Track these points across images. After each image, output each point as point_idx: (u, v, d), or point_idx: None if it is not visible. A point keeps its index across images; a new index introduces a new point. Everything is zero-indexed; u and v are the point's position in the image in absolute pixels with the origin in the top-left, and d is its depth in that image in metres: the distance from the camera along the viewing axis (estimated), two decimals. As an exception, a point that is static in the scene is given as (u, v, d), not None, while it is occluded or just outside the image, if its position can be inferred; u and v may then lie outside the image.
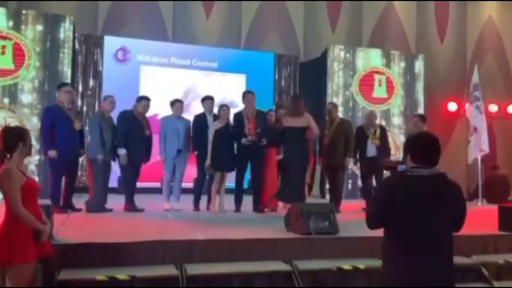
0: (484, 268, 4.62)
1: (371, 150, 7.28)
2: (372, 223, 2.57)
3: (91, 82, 9.79)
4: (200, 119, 6.84)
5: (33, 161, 7.86)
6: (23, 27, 8.15)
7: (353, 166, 8.70)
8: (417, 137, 2.68)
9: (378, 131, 7.41)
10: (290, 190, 5.96)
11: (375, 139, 7.30)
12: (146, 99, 6.62)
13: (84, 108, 9.58)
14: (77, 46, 9.43)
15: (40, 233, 2.88)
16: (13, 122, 7.66)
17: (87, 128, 7.86)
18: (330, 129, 7.09)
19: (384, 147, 7.39)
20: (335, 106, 7.57)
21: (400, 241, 2.44)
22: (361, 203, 7.74)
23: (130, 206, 6.36)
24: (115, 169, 6.69)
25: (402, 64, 10.58)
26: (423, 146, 2.56)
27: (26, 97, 8.06)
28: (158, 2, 10.51)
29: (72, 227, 4.79)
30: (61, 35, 8.39)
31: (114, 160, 6.42)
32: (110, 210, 6.20)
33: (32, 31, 8.19)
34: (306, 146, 6.21)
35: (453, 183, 2.53)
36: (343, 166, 7.13)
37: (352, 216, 6.37)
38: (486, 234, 5.14)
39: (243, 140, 6.46)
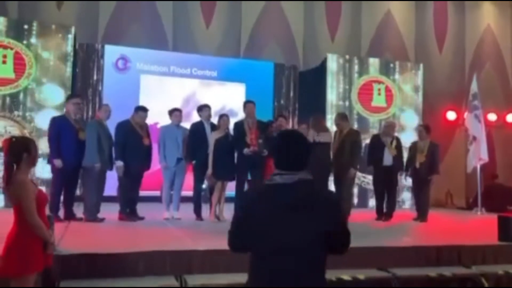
0: (484, 279, 4.62)
1: (388, 159, 7.40)
2: (232, 242, 2.16)
3: (91, 91, 9.81)
4: (198, 127, 6.83)
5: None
6: (24, 36, 8.18)
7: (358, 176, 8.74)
8: (275, 137, 2.24)
9: (394, 141, 7.53)
10: None
11: (392, 149, 7.40)
12: (143, 110, 6.64)
13: (85, 118, 9.58)
14: (77, 55, 9.46)
15: (49, 244, 2.91)
16: (13, 131, 7.70)
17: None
18: (339, 138, 7.20)
19: (399, 158, 7.53)
20: (343, 117, 7.53)
21: (258, 262, 2.06)
22: (371, 212, 7.82)
23: (125, 216, 6.35)
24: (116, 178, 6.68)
25: (401, 74, 10.62)
26: (277, 148, 2.13)
27: (27, 107, 8.08)
28: (159, 11, 10.56)
29: (72, 237, 4.79)
30: (62, 45, 8.42)
31: (110, 169, 6.42)
32: (103, 219, 6.17)
33: (33, 41, 8.23)
34: (330, 159, 7.05)
35: (324, 192, 2.14)
36: (346, 176, 7.16)
37: (358, 226, 6.47)
38: (486, 244, 5.16)
39: (245, 151, 6.48)
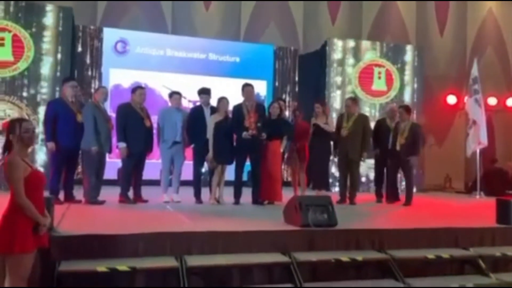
0: (481, 261, 4.67)
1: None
2: None
3: (90, 74, 9.77)
4: (197, 112, 6.82)
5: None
6: (22, 18, 8.12)
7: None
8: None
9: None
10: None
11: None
12: (140, 87, 6.66)
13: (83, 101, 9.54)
14: (76, 37, 9.41)
15: (39, 226, 2.92)
16: (13, 114, 7.70)
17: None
18: (348, 123, 7.19)
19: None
20: (354, 100, 7.61)
21: None
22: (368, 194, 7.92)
23: (125, 198, 6.37)
24: (114, 161, 6.68)
25: (402, 57, 10.56)
26: None
27: (26, 89, 8.05)
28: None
29: (72, 219, 4.81)
30: (61, 27, 8.35)
31: (109, 152, 6.42)
32: (103, 202, 6.17)
33: (32, 23, 8.16)
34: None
35: None
36: (359, 160, 7.29)
37: (358, 208, 6.69)
38: (484, 227, 5.18)
39: (244, 134, 6.45)
